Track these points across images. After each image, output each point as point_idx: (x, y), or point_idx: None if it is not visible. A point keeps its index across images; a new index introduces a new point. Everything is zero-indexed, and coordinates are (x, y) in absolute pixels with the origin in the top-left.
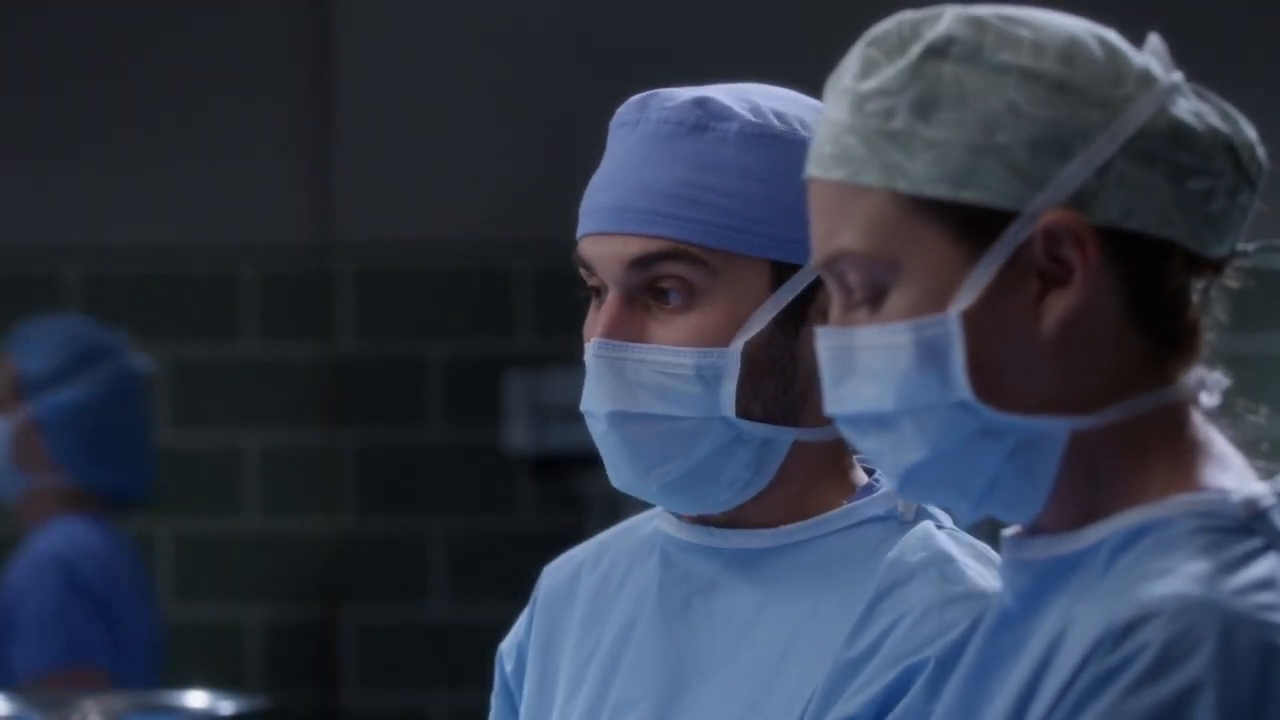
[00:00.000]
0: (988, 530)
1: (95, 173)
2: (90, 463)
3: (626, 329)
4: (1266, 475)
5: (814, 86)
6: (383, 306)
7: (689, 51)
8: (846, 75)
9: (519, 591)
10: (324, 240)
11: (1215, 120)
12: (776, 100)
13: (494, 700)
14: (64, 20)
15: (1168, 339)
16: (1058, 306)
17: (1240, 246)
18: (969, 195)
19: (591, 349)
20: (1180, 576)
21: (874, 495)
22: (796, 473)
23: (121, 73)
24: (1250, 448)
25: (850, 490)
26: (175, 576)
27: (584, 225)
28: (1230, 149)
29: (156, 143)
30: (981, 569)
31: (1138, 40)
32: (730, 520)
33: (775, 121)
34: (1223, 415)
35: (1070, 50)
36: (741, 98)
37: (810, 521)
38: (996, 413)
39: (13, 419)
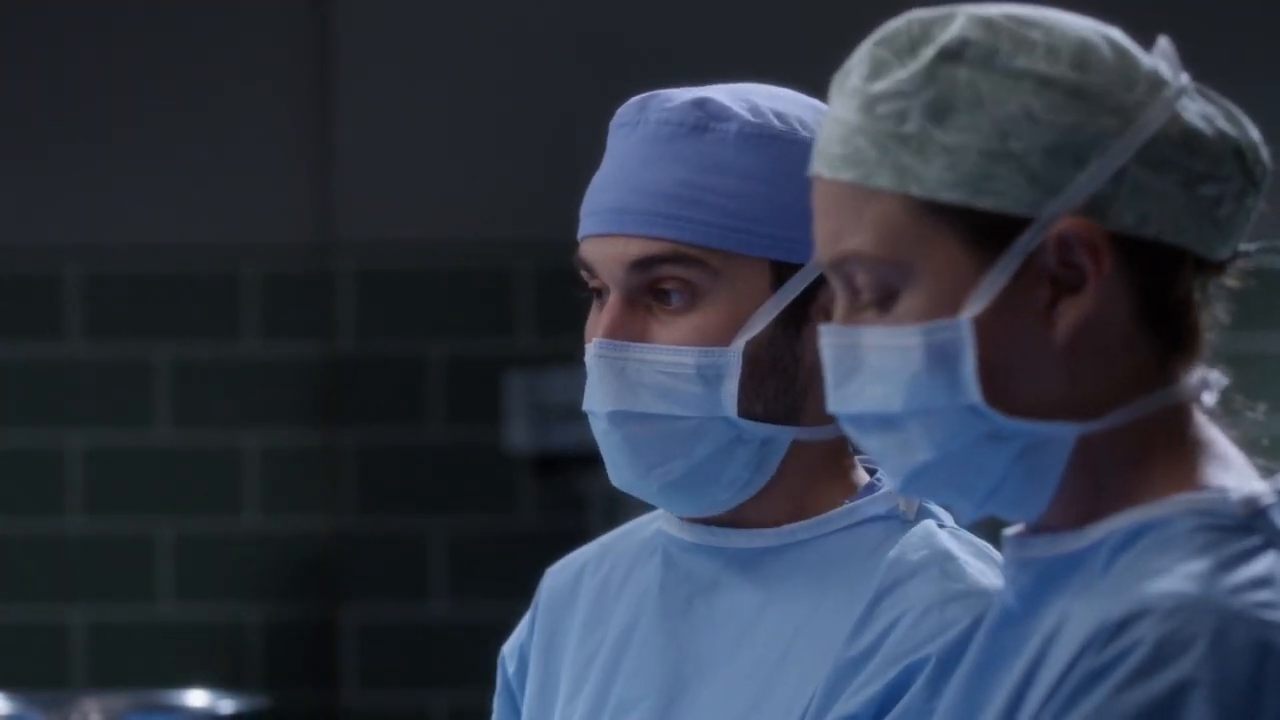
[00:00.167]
0: (989, 528)
1: (95, 173)
2: None
3: (628, 329)
4: (1267, 474)
5: (814, 86)
6: (383, 306)
7: (689, 51)
8: (855, 75)
9: (519, 591)
10: (324, 240)
11: (1223, 123)
12: (776, 100)
13: (496, 702)
14: (64, 20)
15: (1173, 341)
16: (1070, 313)
17: (1242, 247)
18: (984, 201)
19: (593, 349)
20: (1177, 574)
21: (875, 494)
22: (797, 471)
23: (121, 72)
24: (1251, 446)
25: (851, 489)
26: (176, 576)
27: (585, 227)
28: (1238, 153)
29: (156, 143)
30: (983, 567)
31: (1139, 38)
32: (731, 520)
33: (775, 121)
34: (1223, 414)
35: (1083, 54)
36: (741, 98)
37: (811, 521)
38: (1006, 418)
39: None
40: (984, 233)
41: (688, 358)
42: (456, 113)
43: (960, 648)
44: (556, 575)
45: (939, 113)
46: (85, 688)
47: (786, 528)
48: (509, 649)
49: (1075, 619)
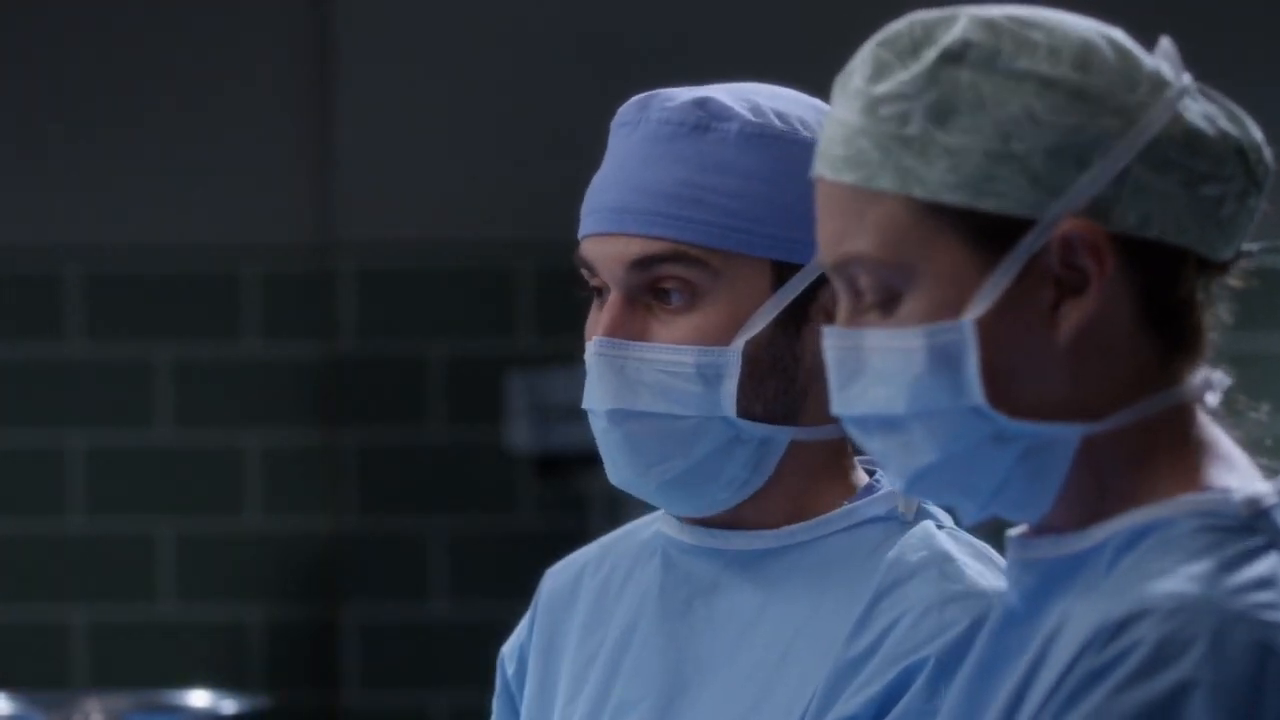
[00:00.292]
0: (993, 530)
1: (96, 173)
2: None
3: (628, 328)
4: (1270, 474)
5: (816, 87)
6: (384, 306)
7: (689, 51)
8: (857, 76)
9: (520, 591)
10: (325, 240)
11: (1225, 123)
12: (777, 100)
13: (495, 703)
14: (64, 20)
15: (1176, 342)
16: (1073, 314)
17: (1245, 247)
18: (986, 203)
19: (593, 347)
20: (1178, 575)
21: (874, 495)
22: (796, 472)
23: (122, 73)
24: (1254, 446)
25: (850, 490)
26: (177, 576)
27: (585, 226)
28: (1240, 153)
29: (157, 143)
30: (981, 568)
31: (1140, 39)
32: (730, 521)
33: (776, 121)
34: (1226, 414)
35: (1085, 56)
36: (742, 98)
37: (811, 522)
38: (1009, 419)
39: None
40: (986, 234)
41: (687, 357)
42: (457, 113)
43: (959, 649)
44: (556, 576)
45: (941, 114)
46: (86, 688)
47: (785, 529)
48: (508, 650)
49: (1076, 619)
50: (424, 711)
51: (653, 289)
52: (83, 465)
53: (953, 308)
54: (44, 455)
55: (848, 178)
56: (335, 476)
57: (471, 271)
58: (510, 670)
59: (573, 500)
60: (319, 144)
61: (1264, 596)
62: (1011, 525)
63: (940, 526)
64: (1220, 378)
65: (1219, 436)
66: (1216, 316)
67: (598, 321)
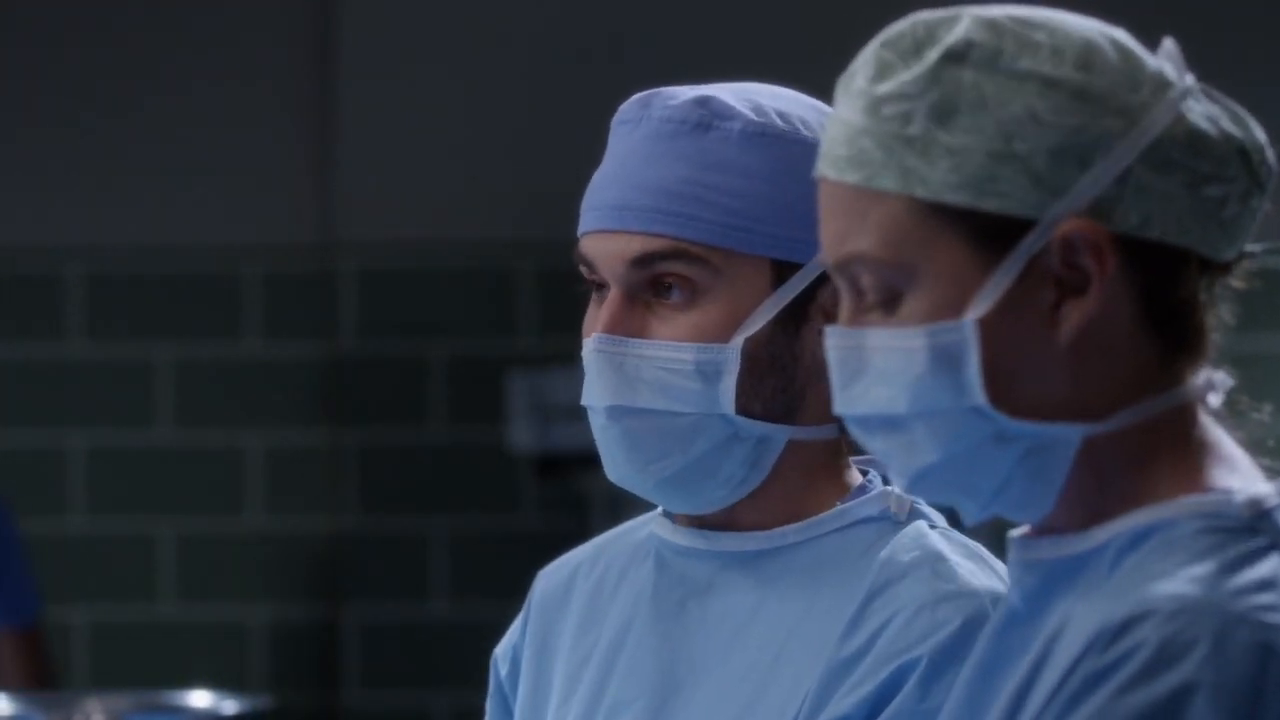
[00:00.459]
0: (994, 530)
1: (96, 173)
2: None
3: (627, 325)
4: (1272, 475)
5: (816, 87)
6: (385, 306)
7: (689, 52)
8: (860, 76)
9: (521, 592)
10: (326, 240)
11: (1228, 124)
12: (779, 100)
13: (489, 704)
14: (64, 20)
15: (1178, 342)
16: (1074, 315)
17: (1247, 248)
18: (988, 203)
19: (592, 344)
20: (1180, 577)
21: (867, 496)
22: (792, 472)
23: (122, 72)
24: (1256, 447)
25: (844, 490)
26: (177, 576)
27: (585, 222)
28: (1243, 154)
29: (158, 142)
30: (974, 568)
31: (1142, 39)
32: (724, 522)
33: (778, 121)
34: (1229, 415)
35: (1087, 56)
36: (744, 97)
37: (804, 523)
38: (1010, 419)
39: None
40: (988, 234)
41: (687, 354)
42: (457, 113)
43: (952, 648)
44: (549, 577)
45: (943, 114)
46: (87, 688)
47: (778, 530)
48: (501, 650)
49: (1078, 620)
50: (424, 712)
51: (652, 286)
52: (83, 465)
53: (954, 308)
54: (44, 455)
55: (850, 178)
56: (336, 476)
57: (472, 271)
58: (503, 671)
59: (573, 500)
60: (320, 144)
61: (1266, 598)
62: (1013, 526)
63: (933, 526)
64: (1222, 378)
65: (1221, 437)
66: (1219, 317)
67: (596, 318)
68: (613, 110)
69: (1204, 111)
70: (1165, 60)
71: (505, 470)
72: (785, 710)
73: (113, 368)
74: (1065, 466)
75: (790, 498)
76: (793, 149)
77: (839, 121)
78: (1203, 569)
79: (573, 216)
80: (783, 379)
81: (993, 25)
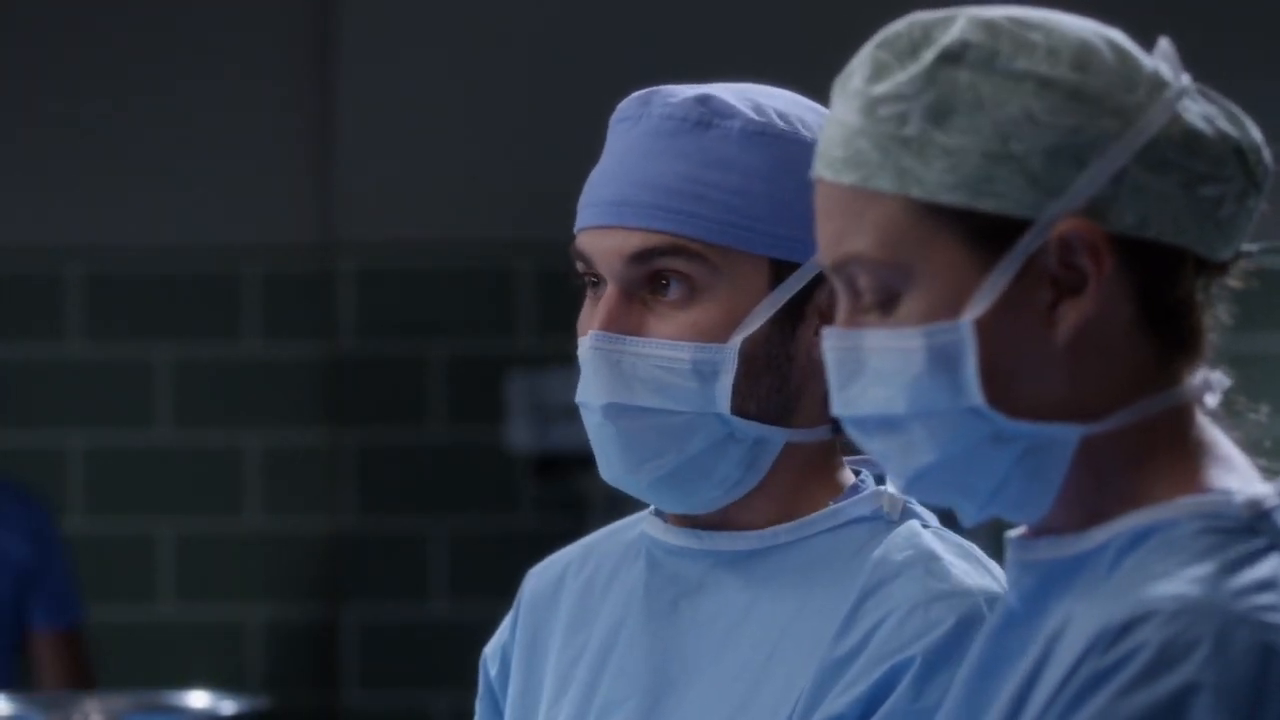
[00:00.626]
0: (993, 530)
1: (96, 173)
2: None
3: (624, 323)
4: (1270, 475)
5: (815, 88)
6: (384, 306)
7: (689, 52)
8: (857, 77)
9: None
10: (325, 240)
11: (1224, 124)
12: (778, 100)
13: (478, 705)
14: (64, 20)
15: (1175, 342)
16: (1071, 314)
17: (1244, 247)
18: (985, 204)
19: (588, 341)
20: (1181, 578)
21: (860, 495)
22: (785, 472)
23: (122, 73)
24: (1253, 448)
25: (837, 490)
26: (176, 576)
27: (583, 219)
28: (1239, 153)
29: (157, 142)
30: (967, 567)
31: (1140, 39)
32: (716, 522)
33: (778, 120)
34: (1226, 415)
35: (1084, 56)
36: (744, 96)
37: (796, 523)
38: (1008, 419)
39: None
40: (985, 235)
41: (684, 353)
42: (457, 113)
43: (946, 647)
44: (539, 576)
45: (940, 115)
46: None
47: (770, 530)
48: (490, 651)
49: (1079, 621)
50: (424, 711)
51: (650, 283)
52: (83, 466)
53: (951, 308)
54: (44, 455)
55: (847, 178)
56: (335, 476)
57: (472, 271)
58: (493, 671)
59: (572, 500)
60: (319, 144)
61: (1266, 598)
62: (1011, 526)
63: (925, 526)
64: (1219, 378)
65: (1218, 438)
66: (1216, 317)
67: (593, 315)
68: (612, 110)
69: (1200, 111)
70: (1161, 60)
71: (504, 470)
72: (779, 710)
73: (112, 368)
74: (1063, 467)
75: (783, 498)
76: (792, 148)
77: (835, 122)
78: (1203, 570)
79: (572, 217)
80: (779, 379)
81: (989, 26)
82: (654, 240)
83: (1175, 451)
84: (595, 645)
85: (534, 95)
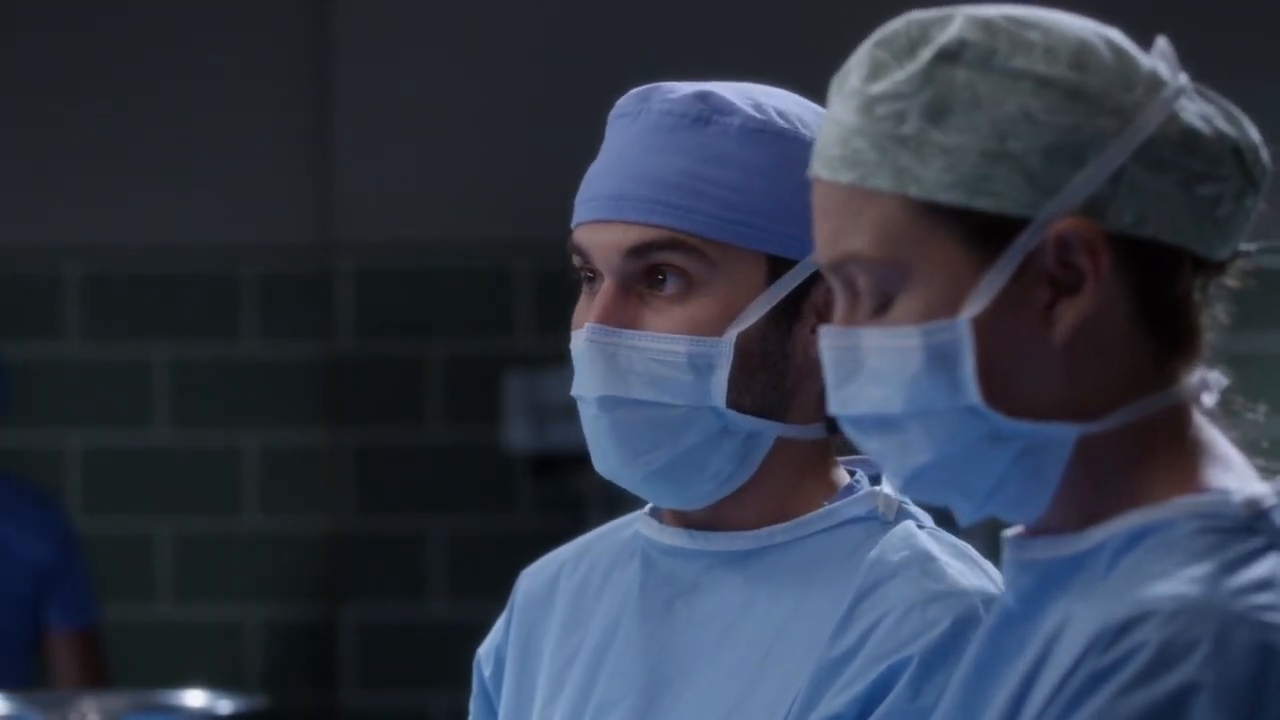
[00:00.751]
0: (990, 530)
1: (95, 172)
2: None
3: (621, 316)
4: (1267, 474)
5: (813, 88)
6: (382, 306)
7: (689, 52)
8: (854, 76)
9: None
10: (324, 240)
11: (1222, 123)
12: (777, 99)
13: (472, 705)
14: (63, 20)
15: (1172, 341)
16: (1068, 313)
17: (1242, 247)
18: (982, 202)
19: (584, 334)
20: (1179, 577)
21: (855, 495)
22: (780, 470)
23: (121, 73)
24: (1250, 447)
25: (832, 490)
26: (174, 576)
27: (581, 213)
28: (1237, 152)
29: (156, 142)
30: (963, 567)
31: (1139, 38)
32: (712, 521)
33: (777, 118)
34: (1223, 415)
35: (1081, 55)
36: (744, 94)
37: (792, 523)
38: (1005, 418)
39: None
40: (982, 233)
41: (680, 346)
42: (456, 113)
43: (942, 648)
44: (533, 577)
45: (937, 114)
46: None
47: (766, 530)
48: (484, 651)
49: (1077, 621)
50: (423, 711)
51: (647, 277)
52: (81, 465)
53: (949, 307)
54: (43, 455)
55: (844, 177)
56: (333, 476)
57: (470, 272)
58: (487, 671)
59: (570, 500)
60: (318, 144)
61: (1264, 598)
62: (1008, 526)
63: (921, 526)
64: (1217, 378)
65: (1216, 437)
66: (1213, 316)
67: (589, 309)
68: (610, 110)
69: (1198, 110)
70: (1159, 59)
71: (502, 470)
72: (774, 710)
73: (111, 367)
74: (1060, 466)
75: (778, 497)
76: (791, 146)
77: (833, 121)
78: (1202, 569)
79: (569, 217)
80: (774, 375)
81: (986, 25)
82: (651, 234)
83: (1173, 451)
84: (590, 645)
85: (533, 95)
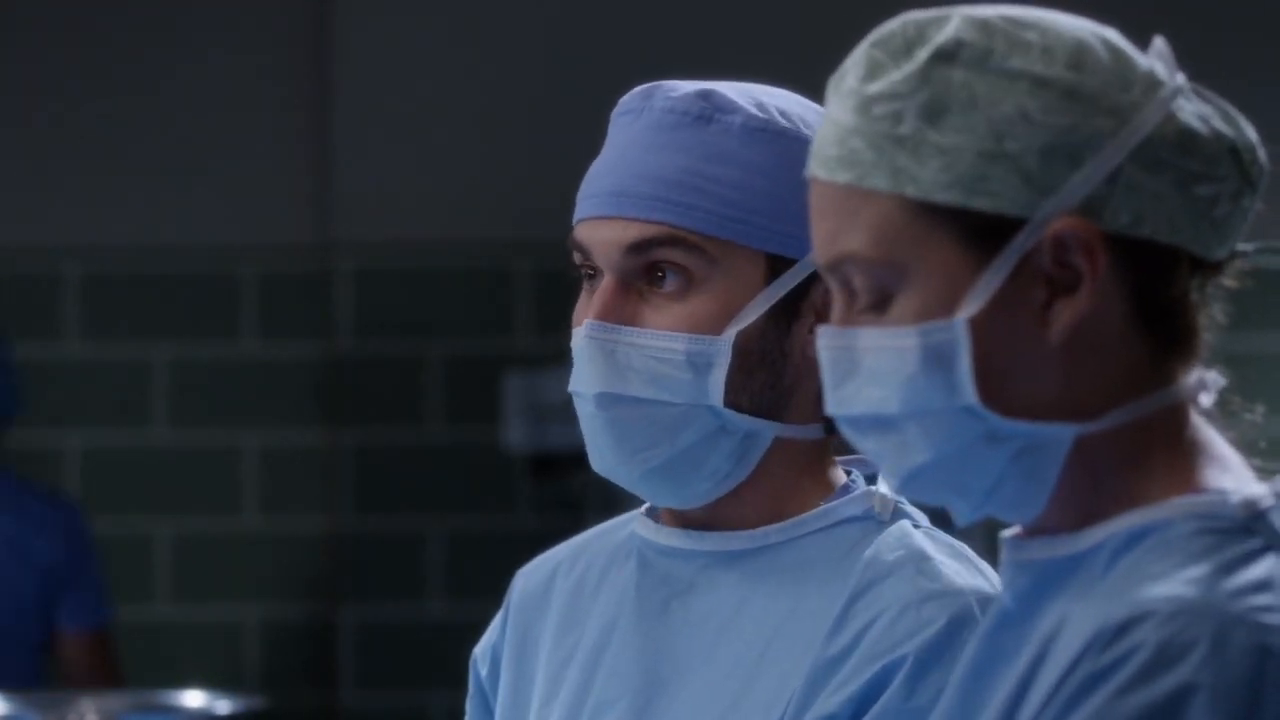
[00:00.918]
0: (988, 530)
1: (94, 172)
2: None
3: (620, 313)
4: (1264, 474)
5: (811, 87)
6: (382, 306)
7: (689, 53)
8: (851, 77)
9: None
10: (323, 240)
11: (1219, 123)
12: (779, 98)
13: (469, 705)
14: (63, 21)
15: (1169, 341)
16: (1065, 313)
17: (1240, 247)
18: (979, 202)
19: (583, 330)
20: (1177, 578)
21: (851, 495)
22: (776, 470)
23: (120, 73)
24: (1248, 447)
25: (828, 490)
26: (174, 576)
27: (582, 209)
28: (1234, 152)
29: (155, 142)
30: (958, 567)
31: (1135, 39)
32: (708, 521)
33: (779, 118)
34: (1221, 415)
35: (1079, 55)
36: (746, 93)
37: (788, 523)
38: (1002, 418)
39: None
40: (979, 233)
41: (678, 344)
42: (455, 113)
43: (937, 647)
44: (529, 576)
45: (934, 114)
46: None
47: (761, 530)
48: (480, 651)
49: (1075, 621)
50: (421, 711)
51: (647, 274)
52: (80, 465)
53: (946, 307)
54: (42, 455)
55: (841, 177)
56: (332, 476)
57: (469, 272)
58: (483, 671)
59: (569, 500)
60: (317, 144)
61: (1262, 599)
62: (1005, 526)
63: (916, 526)
64: (1215, 378)
65: (1213, 438)
66: (1211, 317)
67: (588, 305)
68: (610, 110)
69: (1195, 110)
70: (1156, 59)
71: (501, 470)
72: (771, 710)
73: (110, 367)
74: (1057, 466)
75: (774, 497)
76: (793, 146)
77: (830, 121)
78: (1200, 570)
79: (569, 217)
80: (772, 375)
81: (983, 25)
82: (652, 231)
83: (1170, 451)
84: (587, 646)
85: (532, 95)
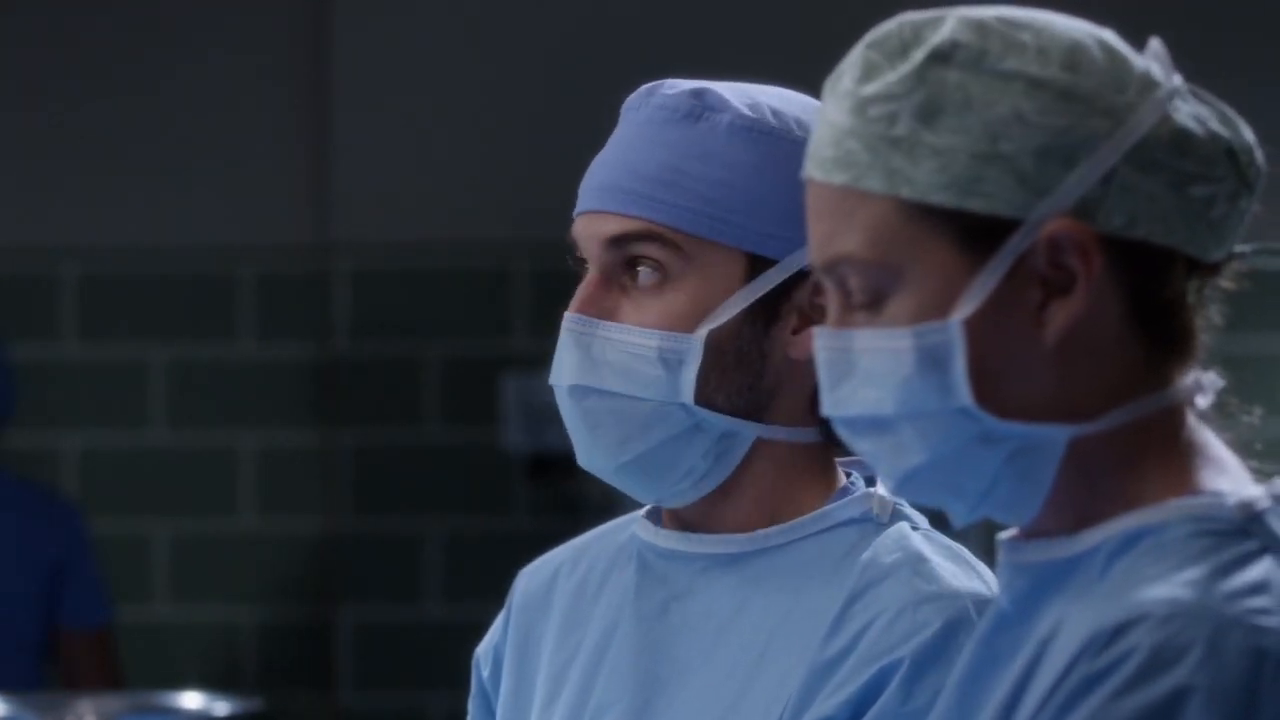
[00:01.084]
0: (984, 532)
1: (92, 172)
2: None
3: (600, 306)
4: (1262, 476)
5: (813, 88)
6: (379, 307)
7: (689, 53)
8: (847, 78)
9: None
10: (321, 240)
11: (1215, 125)
12: (776, 99)
13: (470, 705)
14: (62, 20)
15: (1165, 343)
16: (1060, 315)
17: (1237, 248)
18: (974, 204)
19: (565, 323)
20: (1173, 580)
21: (850, 498)
22: (767, 471)
23: (119, 73)
24: (1245, 449)
25: (827, 493)
26: (171, 577)
27: (577, 205)
28: (1230, 154)
29: (153, 142)
30: (955, 569)
31: (1134, 39)
32: (705, 524)
33: (770, 118)
34: (1218, 417)
35: (1074, 56)
36: (742, 93)
37: (786, 525)
38: (997, 420)
39: None
40: (974, 235)
41: (650, 340)
42: (453, 113)
43: (934, 649)
44: (530, 577)
45: (929, 115)
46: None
47: (760, 533)
48: (482, 651)
49: (1071, 624)
50: (419, 712)
51: (627, 268)
52: (77, 466)
53: (941, 308)
54: (39, 456)
55: (837, 178)
56: (330, 477)
57: (467, 272)
58: (485, 671)
59: (567, 501)
60: (314, 145)
61: (1258, 602)
62: (1003, 528)
63: (915, 528)
64: (1211, 380)
65: (1210, 439)
66: (1208, 318)
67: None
68: (609, 110)
69: (1191, 112)
70: (1152, 60)
71: (499, 471)
72: (769, 711)
73: (107, 368)
74: (1053, 468)
75: (770, 499)
76: (781, 146)
77: (826, 123)
78: (1196, 573)
79: (568, 217)
80: (750, 375)
81: (979, 26)
82: (629, 225)
83: (1166, 453)
84: (589, 647)
85: (531, 96)
